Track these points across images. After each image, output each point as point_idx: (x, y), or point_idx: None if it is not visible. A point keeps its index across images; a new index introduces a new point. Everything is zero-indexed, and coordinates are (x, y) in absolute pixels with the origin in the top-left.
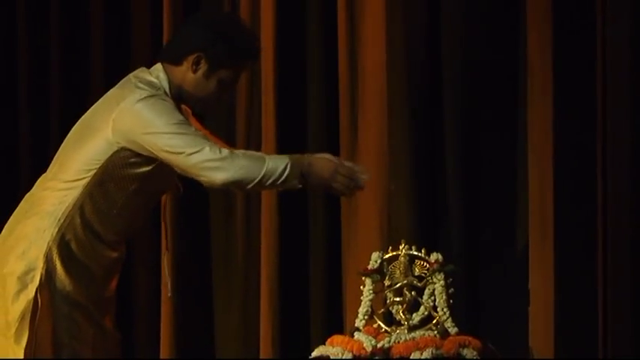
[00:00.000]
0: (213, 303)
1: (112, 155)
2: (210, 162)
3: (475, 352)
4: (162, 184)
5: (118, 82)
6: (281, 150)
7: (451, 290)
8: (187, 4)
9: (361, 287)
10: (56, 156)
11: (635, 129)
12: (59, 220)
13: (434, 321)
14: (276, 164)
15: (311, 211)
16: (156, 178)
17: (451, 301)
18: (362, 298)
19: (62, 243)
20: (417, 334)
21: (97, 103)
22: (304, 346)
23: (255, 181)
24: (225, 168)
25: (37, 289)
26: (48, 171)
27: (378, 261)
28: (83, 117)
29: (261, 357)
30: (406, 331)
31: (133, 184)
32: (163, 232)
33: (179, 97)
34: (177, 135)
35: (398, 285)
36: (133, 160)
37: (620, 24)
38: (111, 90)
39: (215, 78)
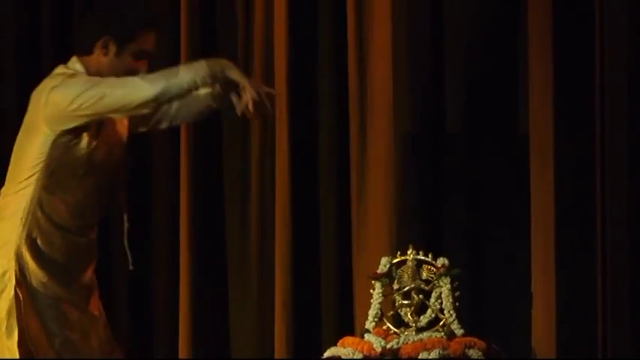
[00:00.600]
0: (229, 305)
1: (52, 144)
2: (132, 86)
3: (480, 353)
4: (111, 161)
5: None
6: (294, 161)
7: (457, 293)
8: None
9: (371, 291)
10: (10, 164)
11: (632, 130)
12: (22, 218)
13: (441, 323)
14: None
15: (323, 217)
16: (102, 155)
17: (457, 303)
18: (372, 301)
19: (29, 240)
20: (425, 335)
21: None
22: (317, 347)
23: (183, 78)
24: (148, 81)
25: (15, 286)
26: (6, 180)
27: (387, 265)
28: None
29: (275, 357)
30: (414, 333)
31: (82, 168)
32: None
33: None
34: (95, 85)
35: (406, 288)
36: (73, 142)
37: (618, 28)
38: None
39: (127, 54)
